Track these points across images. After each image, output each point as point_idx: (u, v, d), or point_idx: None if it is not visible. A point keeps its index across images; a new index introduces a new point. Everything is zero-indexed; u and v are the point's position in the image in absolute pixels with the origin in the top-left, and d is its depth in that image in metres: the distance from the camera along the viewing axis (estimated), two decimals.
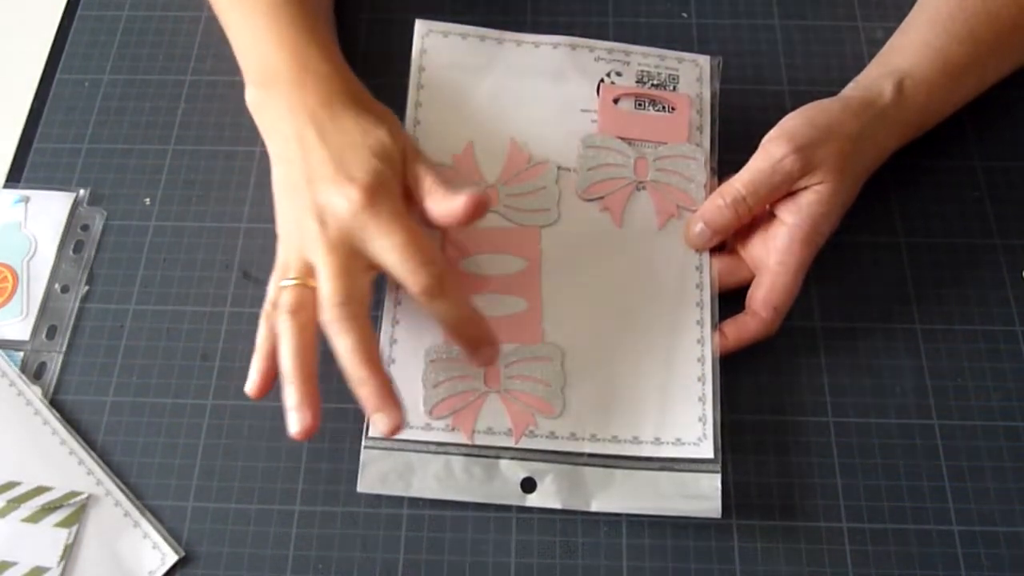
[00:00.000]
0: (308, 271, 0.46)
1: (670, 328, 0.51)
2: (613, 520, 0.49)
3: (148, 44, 0.62)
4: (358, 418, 0.49)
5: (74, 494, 0.48)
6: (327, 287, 0.45)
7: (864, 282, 0.54)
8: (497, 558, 0.48)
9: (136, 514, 0.48)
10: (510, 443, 0.48)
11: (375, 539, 0.48)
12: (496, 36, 0.58)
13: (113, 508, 0.48)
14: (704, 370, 0.50)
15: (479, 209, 0.47)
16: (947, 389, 0.52)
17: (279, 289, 0.47)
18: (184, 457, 0.50)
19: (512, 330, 0.50)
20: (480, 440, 0.48)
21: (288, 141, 0.49)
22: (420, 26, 0.58)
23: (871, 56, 0.55)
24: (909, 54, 0.53)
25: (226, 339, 0.53)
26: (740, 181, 0.50)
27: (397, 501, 0.49)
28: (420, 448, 0.48)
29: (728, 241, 0.53)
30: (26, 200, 0.57)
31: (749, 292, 0.51)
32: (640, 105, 0.56)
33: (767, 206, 0.51)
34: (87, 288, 0.55)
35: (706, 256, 0.53)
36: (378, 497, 0.49)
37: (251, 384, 0.46)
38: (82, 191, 0.57)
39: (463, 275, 0.52)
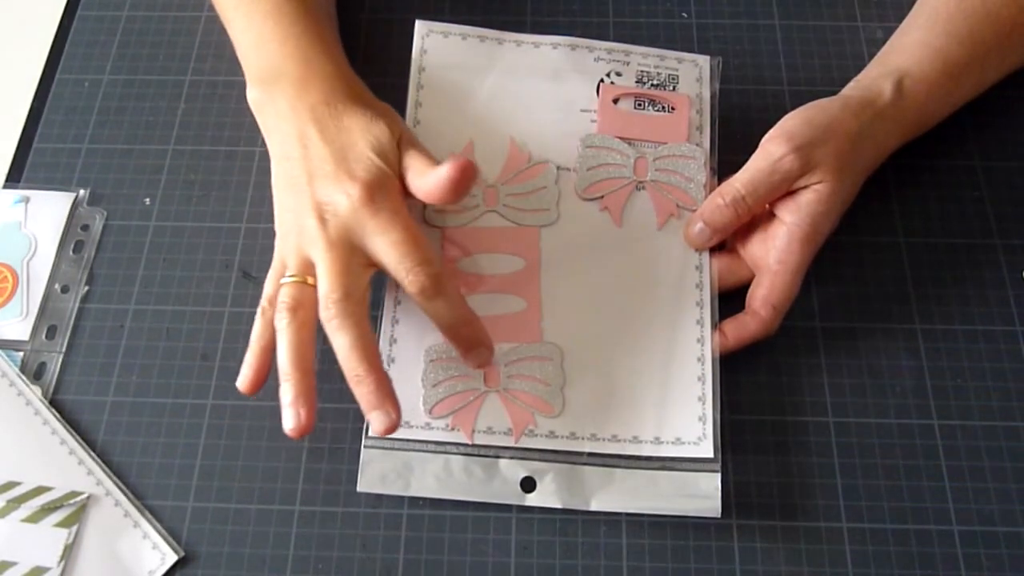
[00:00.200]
0: (307, 268, 0.47)
1: (670, 327, 0.51)
2: (613, 520, 0.49)
3: (148, 44, 0.62)
4: (358, 418, 0.49)
5: (74, 494, 0.48)
6: (326, 284, 0.45)
7: (864, 282, 0.54)
8: (497, 558, 0.48)
9: (136, 514, 0.48)
10: (510, 442, 0.48)
11: (375, 539, 0.48)
12: (496, 36, 0.58)
13: (113, 508, 0.48)
14: (704, 369, 0.50)
15: (465, 175, 0.47)
16: (947, 389, 0.52)
17: (278, 286, 0.47)
18: (184, 457, 0.50)
19: (511, 329, 0.51)
20: (480, 439, 0.48)
21: (289, 138, 0.49)
22: (420, 26, 0.58)
23: (871, 56, 0.55)
24: (909, 54, 0.53)
25: (226, 339, 0.53)
26: (739, 180, 0.50)
27: (397, 501, 0.49)
28: (420, 448, 0.48)
29: (728, 241, 0.53)
30: (26, 200, 0.57)
31: (749, 291, 0.51)
32: (640, 105, 0.56)
33: (767, 205, 0.51)
34: (87, 288, 0.55)
35: (706, 256, 0.53)
36: (378, 497, 0.49)
37: (243, 379, 0.46)
38: (82, 191, 0.57)
39: (462, 274, 0.52)
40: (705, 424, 0.49)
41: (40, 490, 0.48)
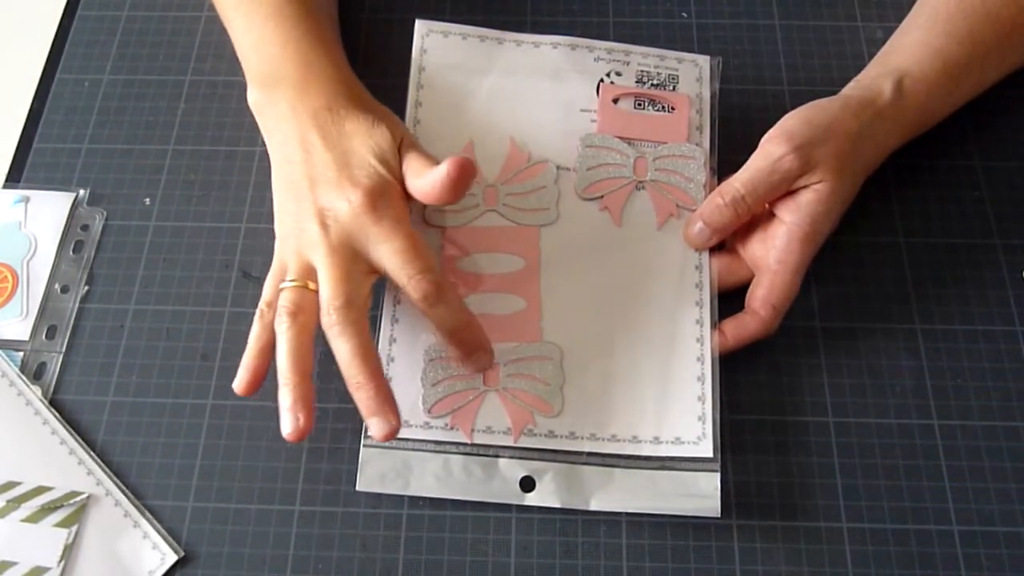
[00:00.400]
0: (308, 273, 0.47)
1: (669, 327, 0.51)
2: (613, 520, 0.49)
3: (148, 44, 0.62)
4: (358, 418, 0.48)
5: (74, 494, 0.48)
6: (328, 290, 0.45)
7: (864, 282, 0.54)
8: (497, 558, 0.48)
9: (136, 514, 0.48)
10: (509, 442, 0.48)
11: (375, 539, 0.48)
12: (496, 36, 0.58)
13: (113, 508, 0.48)
14: (704, 369, 0.50)
15: (463, 173, 0.47)
16: (947, 389, 0.52)
17: (277, 290, 0.47)
18: (184, 457, 0.50)
19: (511, 329, 0.51)
20: (479, 439, 0.48)
21: (290, 142, 0.49)
22: (420, 26, 0.58)
23: (871, 56, 0.55)
24: (908, 53, 0.53)
25: (226, 339, 0.53)
26: (739, 180, 0.50)
27: (397, 501, 0.49)
28: (419, 447, 0.48)
29: (727, 240, 0.53)
30: (26, 200, 0.57)
31: (749, 291, 0.51)
32: (640, 105, 0.56)
33: (766, 205, 0.51)
34: (87, 288, 0.55)
35: (705, 255, 0.53)
36: (378, 497, 0.49)
37: (239, 382, 0.46)
38: (82, 191, 0.57)
39: (462, 274, 0.52)
40: (705, 424, 0.49)
41: (40, 490, 0.48)
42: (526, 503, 0.48)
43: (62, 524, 0.48)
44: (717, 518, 0.47)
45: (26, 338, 0.53)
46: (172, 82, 0.61)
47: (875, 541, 0.48)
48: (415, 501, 0.49)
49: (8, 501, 0.48)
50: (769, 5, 0.64)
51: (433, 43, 0.57)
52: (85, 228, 0.56)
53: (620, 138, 0.55)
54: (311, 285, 0.46)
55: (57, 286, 0.54)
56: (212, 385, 0.52)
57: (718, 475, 0.48)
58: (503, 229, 0.53)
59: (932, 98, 0.52)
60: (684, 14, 0.63)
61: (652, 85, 0.57)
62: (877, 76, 0.52)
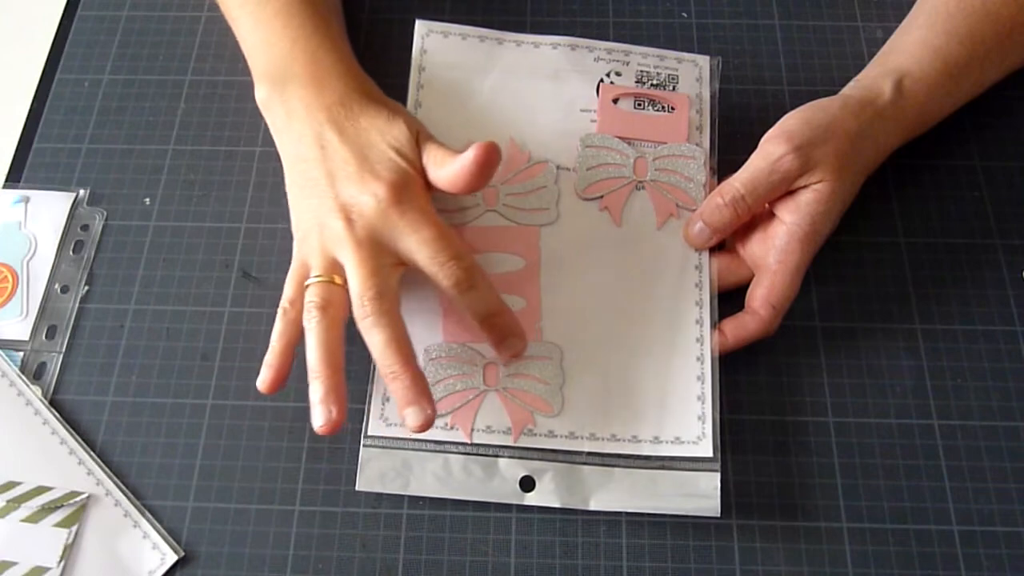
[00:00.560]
0: (333, 268, 0.47)
1: (669, 327, 0.51)
2: (613, 520, 0.49)
3: (148, 44, 0.62)
4: (358, 418, 0.49)
5: (74, 494, 0.48)
6: (359, 284, 0.45)
7: (864, 282, 0.54)
8: (497, 558, 0.48)
9: (136, 514, 0.48)
10: (509, 441, 0.48)
11: (375, 539, 0.48)
12: (496, 36, 0.58)
13: (113, 508, 0.48)
14: (703, 369, 0.50)
15: (490, 157, 0.47)
16: (947, 389, 0.52)
17: (299, 286, 0.47)
18: (184, 457, 0.50)
19: None
20: (479, 438, 0.48)
21: (304, 139, 0.49)
22: (420, 26, 0.58)
23: (871, 56, 0.55)
24: (908, 53, 0.53)
25: (226, 339, 0.53)
26: (739, 180, 0.50)
27: (397, 501, 0.49)
28: (419, 446, 0.48)
29: (727, 240, 0.53)
30: (26, 200, 0.57)
31: (748, 291, 0.51)
32: (639, 105, 0.56)
33: (766, 205, 0.51)
34: (87, 288, 0.55)
35: (705, 255, 0.53)
36: (378, 497, 0.49)
37: (264, 380, 0.46)
38: (82, 191, 0.57)
39: None
40: (704, 423, 0.49)
41: (40, 490, 0.48)
42: (526, 503, 0.48)
43: (62, 524, 0.48)
44: (717, 518, 0.47)
45: (26, 338, 0.53)
46: (172, 82, 0.61)
47: (875, 541, 0.48)
48: (415, 501, 0.49)
49: (8, 501, 0.48)
50: (769, 5, 0.64)
51: (433, 43, 0.57)
52: (85, 228, 0.56)
53: (620, 138, 0.55)
54: (337, 280, 0.46)
55: (57, 286, 0.54)
56: (212, 385, 0.52)
57: (718, 475, 0.48)
58: (503, 229, 0.53)
59: (932, 98, 0.52)
60: (684, 14, 0.63)
61: (652, 85, 0.57)
62: (877, 76, 0.52)
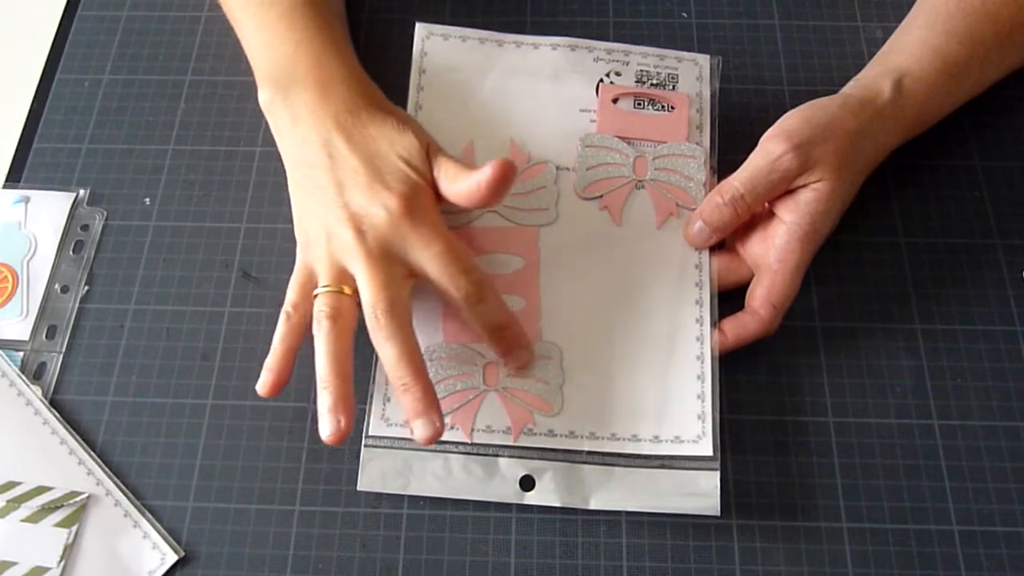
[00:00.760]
0: (342, 277, 0.47)
1: (669, 326, 0.51)
2: (613, 520, 0.49)
3: (148, 44, 0.62)
4: (358, 418, 0.49)
5: (74, 494, 0.48)
6: (371, 295, 0.45)
7: (864, 282, 0.54)
8: (497, 558, 0.48)
9: (136, 514, 0.48)
10: (509, 441, 0.48)
11: (375, 539, 0.48)
12: (496, 38, 0.58)
13: (113, 508, 0.48)
14: (703, 368, 0.50)
15: (506, 175, 0.47)
16: (947, 389, 0.52)
17: (304, 294, 0.47)
18: (184, 457, 0.50)
19: None
20: (479, 438, 0.48)
21: (309, 144, 0.49)
22: (420, 29, 0.58)
23: (871, 56, 0.55)
24: (908, 53, 0.53)
25: (226, 339, 0.53)
26: (738, 179, 0.50)
27: (397, 501, 0.49)
28: (419, 447, 0.48)
29: (727, 240, 0.53)
30: (26, 200, 0.57)
31: (748, 290, 0.51)
32: (639, 104, 0.56)
33: (766, 204, 0.51)
34: (87, 288, 0.55)
35: (705, 254, 0.53)
36: (378, 497, 0.49)
37: (264, 383, 0.46)
38: (82, 191, 0.57)
39: None
40: (704, 422, 0.49)
41: (40, 490, 0.48)
42: (526, 502, 0.48)
43: (62, 524, 0.48)
44: (717, 517, 0.47)
45: (26, 338, 0.53)
46: (172, 82, 0.61)
47: (875, 541, 0.48)
48: (415, 501, 0.49)
49: (8, 501, 0.48)
50: (769, 5, 0.64)
51: (433, 45, 0.57)
52: (85, 228, 0.56)
53: (620, 138, 0.55)
54: (347, 290, 0.46)
55: (57, 286, 0.54)
56: (212, 385, 0.52)
57: (718, 474, 0.48)
58: (503, 229, 0.53)
59: (931, 97, 0.52)
60: (684, 14, 0.63)
61: (652, 84, 0.57)
62: (877, 75, 0.52)
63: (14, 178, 0.58)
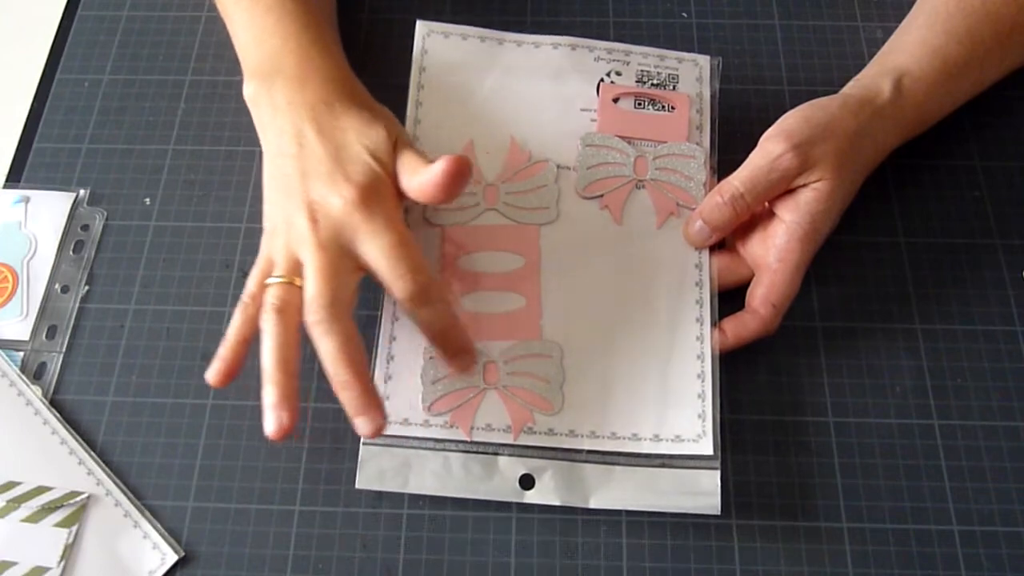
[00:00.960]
0: (295, 268, 0.46)
1: (669, 325, 0.51)
2: (613, 520, 0.49)
3: (148, 44, 0.63)
4: None
5: (74, 494, 0.48)
6: (313, 287, 0.45)
7: (864, 282, 0.54)
8: (497, 558, 0.48)
9: (136, 514, 0.48)
10: (508, 440, 0.48)
11: (375, 539, 0.48)
12: (496, 37, 0.58)
13: (113, 508, 0.48)
14: (704, 367, 0.50)
15: (459, 171, 0.46)
16: (947, 389, 0.52)
17: (261, 283, 0.47)
18: (184, 457, 0.50)
19: (511, 327, 0.51)
20: (478, 436, 0.48)
21: (284, 135, 0.49)
22: (421, 27, 0.58)
23: (871, 56, 0.56)
24: (908, 52, 0.53)
25: None
26: (738, 179, 0.50)
27: (397, 501, 0.49)
28: (418, 444, 0.48)
29: (727, 239, 0.53)
30: (26, 200, 0.57)
31: (749, 290, 0.51)
32: (640, 104, 0.56)
33: (766, 204, 0.51)
34: (87, 288, 0.55)
35: (705, 254, 0.53)
36: (378, 497, 0.49)
37: (213, 372, 0.45)
38: (82, 191, 0.57)
39: (462, 272, 0.52)
40: (705, 421, 0.49)
41: (40, 490, 0.48)
42: (526, 501, 0.48)
43: (62, 524, 0.48)
44: (717, 516, 0.47)
45: (26, 338, 0.53)
46: (172, 82, 0.61)
47: (875, 541, 0.48)
48: (415, 501, 0.49)
49: (8, 501, 0.48)
50: (769, 5, 0.64)
51: (434, 44, 0.57)
52: (85, 228, 0.56)
53: (620, 137, 0.55)
54: (297, 281, 0.46)
55: (57, 286, 0.54)
56: None
57: (718, 472, 0.48)
58: (503, 228, 0.53)
59: (931, 97, 0.52)
60: (684, 14, 0.63)
61: (652, 85, 0.57)
62: (876, 75, 0.53)
63: (14, 178, 0.58)
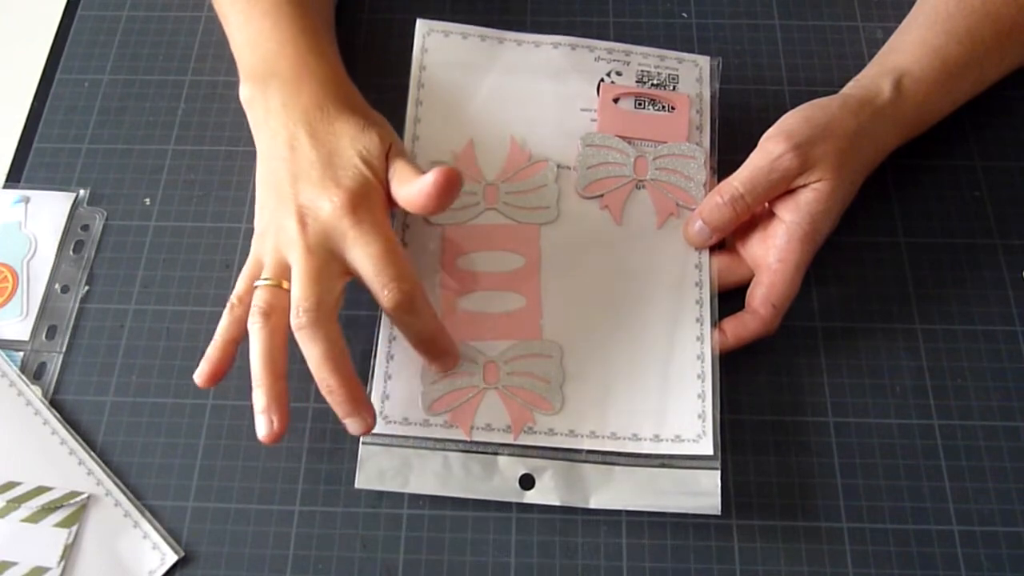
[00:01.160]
0: (283, 271, 0.46)
1: (669, 325, 0.51)
2: (613, 520, 0.49)
3: (148, 44, 0.63)
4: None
5: (74, 494, 0.48)
6: (299, 291, 0.45)
7: (864, 282, 0.54)
8: (497, 558, 0.48)
9: (136, 514, 0.48)
10: (508, 439, 0.48)
11: (375, 539, 0.48)
12: (497, 36, 0.58)
13: (113, 508, 0.48)
14: (704, 367, 0.50)
15: (450, 182, 0.46)
16: (947, 389, 0.52)
17: (249, 284, 0.47)
18: (184, 457, 0.50)
19: (511, 327, 0.51)
20: (478, 436, 0.48)
21: (277, 138, 0.49)
22: (421, 26, 0.58)
23: (871, 56, 0.56)
24: (908, 52, 0.53)
25: None
26: (738, 179, 0.50)
27: (397, 501, 0.49)
28: (418, 444, 0.48)
29: (727, 239, 0.53)
30: (26, 200, 0.57)
31: (749, 290, 0.51)
32: (640, 104, 0.56)
33: (766, 204, 0.51)
34: (87, 288, 0.55)
35: (705, 254, 0.53)
36: (378, 497, 0.49)
37: (200, 373, 0.46)
38: (82, 191, 0.57)
39: (462, 272, 0.52)
40: (705, 421, 0.49)
41: (40, 490, 0.48)
42: (526, 501, 0.48)
43: (62, 524, 0.48)
44: (717, 516, 0.47)
45: (26, 338, 0.53)
46: (172, 82, 0.61)
47: (875, 541, 0.48)
48: (415, 501, 0.49)
49: (8, 501, 0.48)
50: (769, 5, 0.64)
51: (434, 43, 0.57)
52: (85, 228, 0.56)
53: (620, 137, 0.55)
54: (285, 284, 0.46)
55: (57, 286, 0.54)
56: None
57: (718, 472, 0.48)
58: (503, 227, 0.53)
59: (931, 97, 0.52)
60: (684, 14, 0.63)
61: (652, 85, 0.57)
62: (876, 75, 0.53)
63: (14, 178, 0.58)
